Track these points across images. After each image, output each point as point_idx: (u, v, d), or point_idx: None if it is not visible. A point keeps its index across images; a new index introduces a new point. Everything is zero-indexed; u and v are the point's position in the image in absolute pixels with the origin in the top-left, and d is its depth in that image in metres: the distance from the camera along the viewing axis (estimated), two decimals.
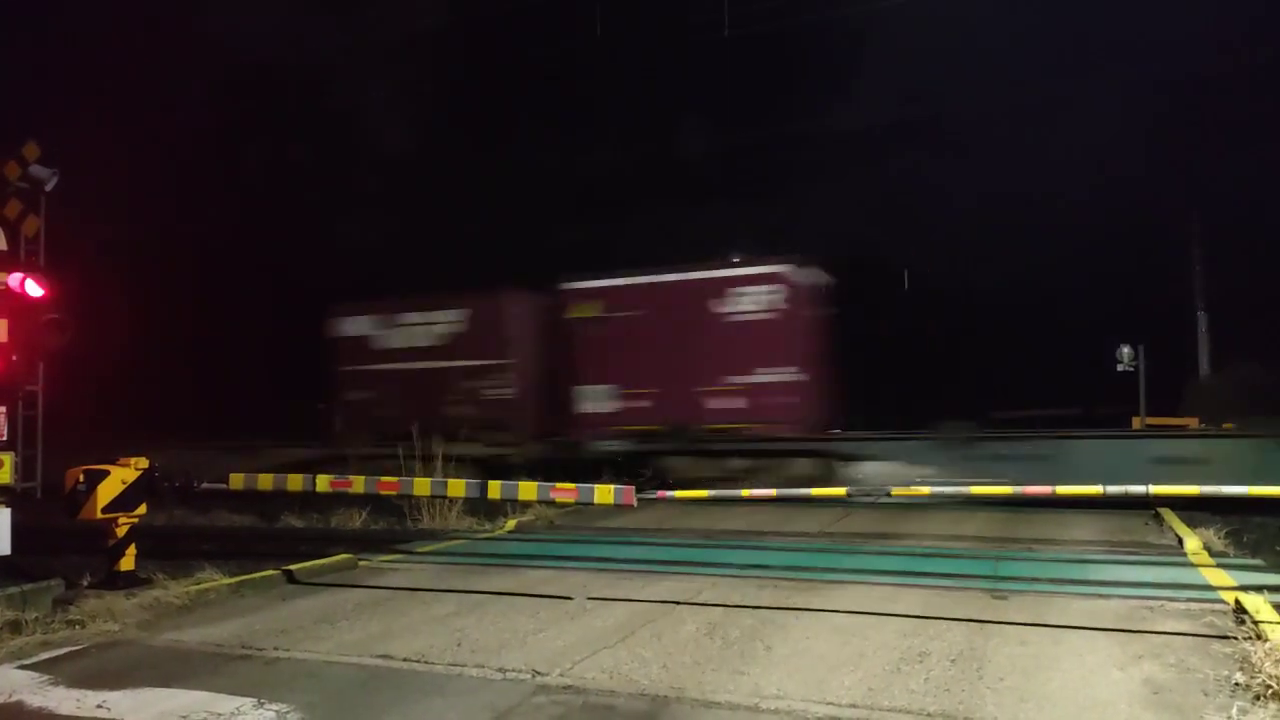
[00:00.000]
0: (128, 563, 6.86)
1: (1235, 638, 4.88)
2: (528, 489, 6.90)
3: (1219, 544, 8.14)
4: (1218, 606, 5.72)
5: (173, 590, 6.56)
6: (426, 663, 4.95)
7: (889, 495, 6.60)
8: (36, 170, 15.00)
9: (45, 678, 4.80)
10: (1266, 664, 4.22)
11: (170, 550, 8.52)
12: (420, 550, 8.90)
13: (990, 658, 4.78)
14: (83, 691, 4.56)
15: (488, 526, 10.59)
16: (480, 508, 11.02)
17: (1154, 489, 5.65)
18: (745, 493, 7.30)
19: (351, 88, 23.76)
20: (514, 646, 5.21)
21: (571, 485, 6.66)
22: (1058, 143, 21.92)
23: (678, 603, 6.19)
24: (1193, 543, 8.09)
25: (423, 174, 25.01)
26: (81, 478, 6.64)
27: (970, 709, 4.05)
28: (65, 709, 4.34)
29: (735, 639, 5.25)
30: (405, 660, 5.00)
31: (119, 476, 6.73)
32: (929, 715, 3.99)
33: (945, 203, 23.39)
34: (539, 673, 4.69)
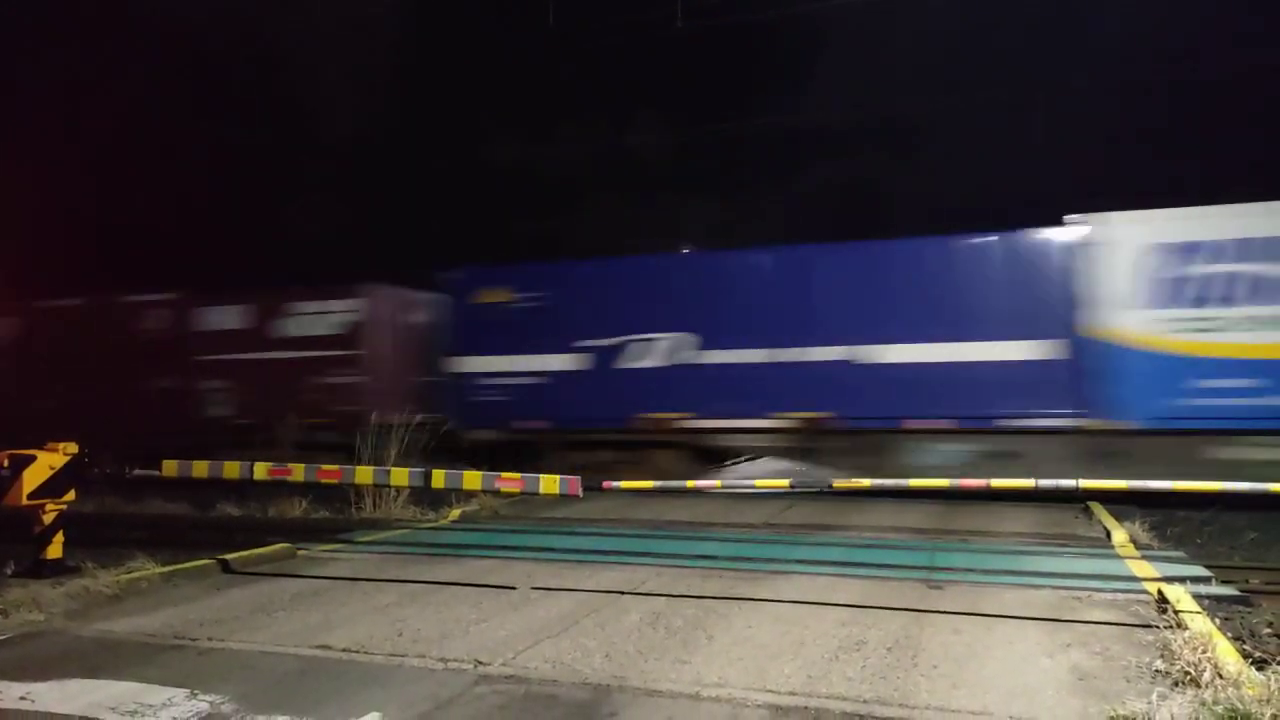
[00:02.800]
0: (55, 550, 6.65)
1: (1157, 626, 5.06)
2: (472, 478, 6.84)
3: (1144, 537, 8.44)
4: (1142, 597, 5.94)
5: (102, 579, 6.37)
6: (366, 653, 4.89)
7: (831, 487, 6.69)
8: None
9: None
10: (1185, 652, 4.39)
11: (100, 538, 8.28)
12: (361, 540, 8.78)
13: (925, 646, 4.89)
14: (5, 683, 4.41)
15: (431, 516, 10.49)
16: (424, 497, 10.91)
17: (1083, 483, 5.83)
18: (690, 484, 7.34)
19: (289, 71, 23.33)
20: (456, 636, 5.18)
21: (517, 475, 6.63)
22: (1009, 142, 22.50)
23: (622, 593, 6.21)
24: (1120, 535, 8.37)
25: (338, 162, 24.68)
26: (5, 462, 6.41)
27: (905, 695, 4.14)
28: None
29: (678, 628, 5.29)
30: (344, 650, 4.93)
31: (46, 461, 6.52)
32: (865, 702, 4.07)
33: (899, 202, 23.80)
34: (481, 662, 4.67)
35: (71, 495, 6.73)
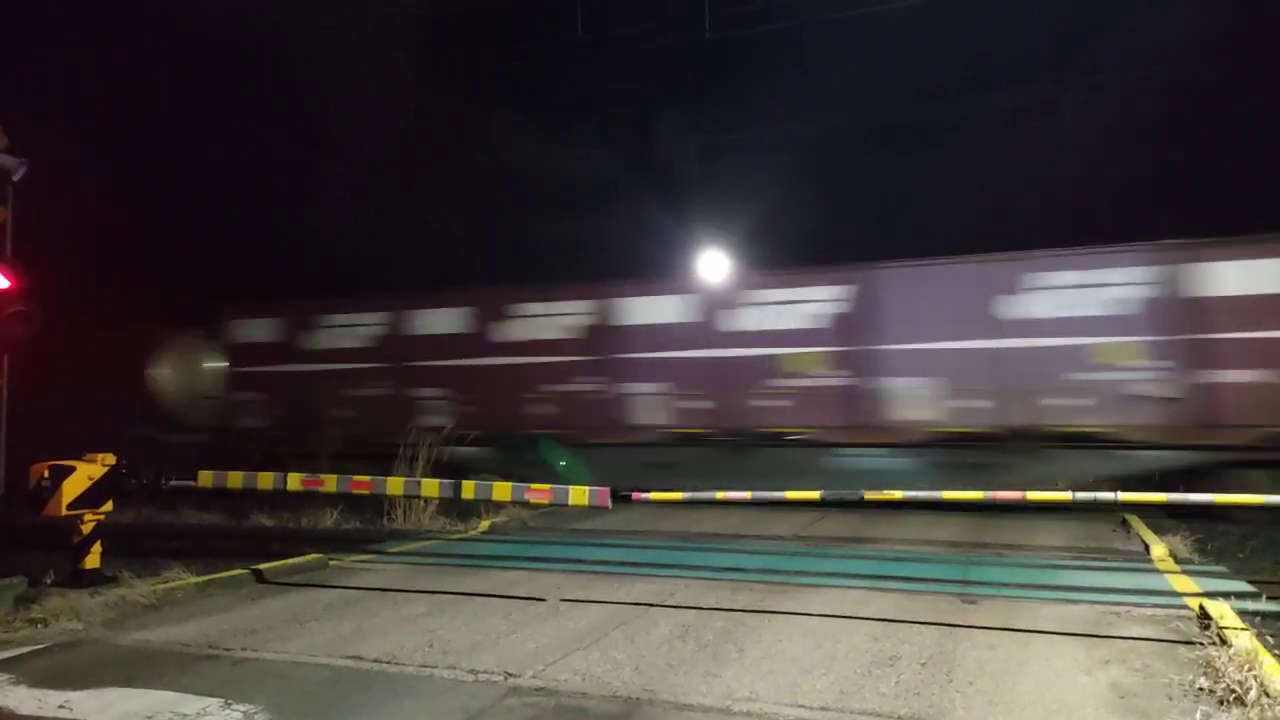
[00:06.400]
0: (93, 560, 6.75)
1: (1200, 643, 4.95)
2: (502, 489, 6.85)
3: (1184, 551, 8.27)
4: (1183, 612, 5.80)
5: (139, 589, 6.45)
6: (397, 663, 4.90)
7: (862, 498, 6.62)
8: (4, 159, 14.73)
9: (5, 677, 4.70)
10: (1230, 669, 4.28)
11: (137, 548, 8.40)
12: (392, 550, 8.83)
13: (960, 661, 4.81)
14: (44, 691, 4.47)
15: (461, 527, 10.53)
16: (454, 508, 10.96)
17: (1122, 496, 5.73)
18: (720, 495, 7.30)
19: (315, 77, 23.69)
20: (486, 648, 5.18)
21: (546, 486, 6.63)
22: (1030, 143, 22.35)
23: (651, 605, 6.18)
24: (1159, 549, 8.20)
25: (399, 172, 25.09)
26: (46, 473, 6.53)
27: (940, 712, 4.07)
28: (26, 709, 4.25)
29: (708, 641, 5.25)
30: (376, 661, 4.95)
31: (85, 472, 6.62)
32: (900, 718, 4.00)
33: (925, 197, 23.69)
34: (511, 674, 4.67)
35: (109, 506, 6.83)
